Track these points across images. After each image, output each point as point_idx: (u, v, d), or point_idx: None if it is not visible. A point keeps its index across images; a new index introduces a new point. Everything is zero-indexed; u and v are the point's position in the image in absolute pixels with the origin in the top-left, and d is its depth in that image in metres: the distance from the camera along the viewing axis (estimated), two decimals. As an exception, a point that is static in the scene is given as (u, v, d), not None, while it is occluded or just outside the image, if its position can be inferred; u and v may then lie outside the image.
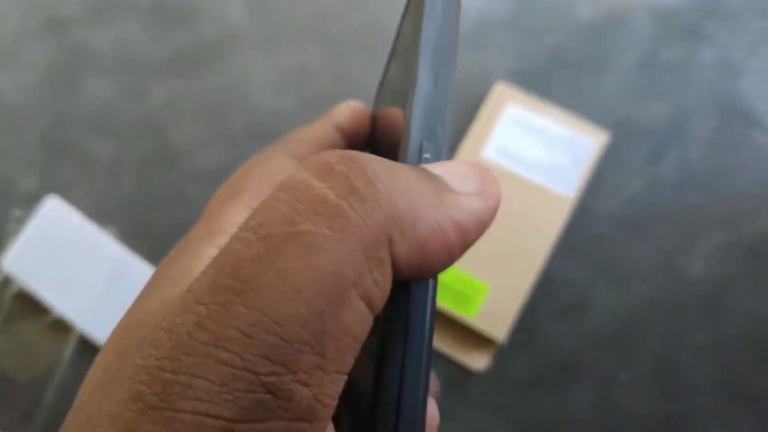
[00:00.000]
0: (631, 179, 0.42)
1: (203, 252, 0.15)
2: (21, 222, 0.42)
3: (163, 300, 0.13)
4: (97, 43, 0.47)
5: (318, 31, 0.47)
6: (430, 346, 0.12)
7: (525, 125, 0.41)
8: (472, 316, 0.37)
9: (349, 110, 0.20)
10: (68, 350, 0.42)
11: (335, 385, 0.10)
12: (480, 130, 0.41)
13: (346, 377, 0.11)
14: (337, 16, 0.47)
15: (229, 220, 0.16)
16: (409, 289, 0.12)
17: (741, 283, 0.40)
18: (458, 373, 0.39)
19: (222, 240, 0.15)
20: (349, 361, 0.10)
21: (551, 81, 0.44)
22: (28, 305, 0.42)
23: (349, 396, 0.14)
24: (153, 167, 0.44)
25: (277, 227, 0.10)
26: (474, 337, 0.38)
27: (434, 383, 0.17)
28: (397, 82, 0.16)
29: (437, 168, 0.12)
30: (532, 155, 0.40)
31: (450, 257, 0.11)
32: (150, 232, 0.42)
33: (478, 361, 0.38)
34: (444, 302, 0.38)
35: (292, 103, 0.45)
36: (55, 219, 0.41)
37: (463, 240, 0.11)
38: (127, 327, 0.12)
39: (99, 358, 0.12)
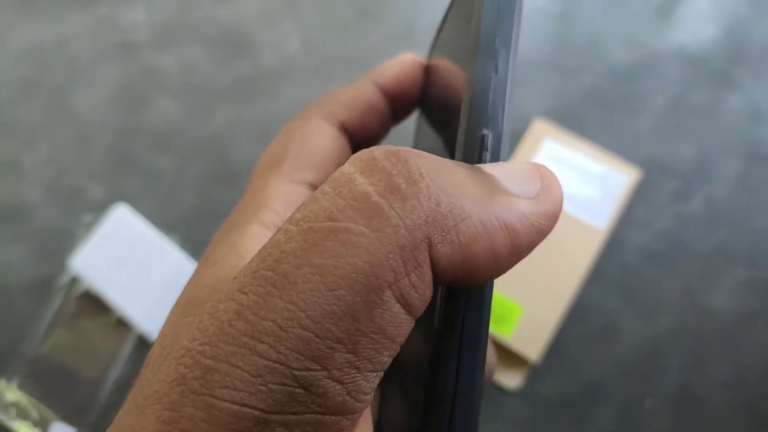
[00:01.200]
0: (660, 215, 0.45)
1: (249, 229, 0.15)
2: (90, 227, 0.46)
3: (216, 278, 0.13)
4: (165, 67, 0.51)
5: (365, 64, 0.50)
6: (484, 358, 0.12)
7: (561, 160, 0.44)
8: (508, 335, 0.40)
9: (396, 68, 0.18)
10: (127, 348, 0.45)
11: (369, 383, 0.10)
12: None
13: (381, 374, 0.10)
14: (383, 52, 0.50)
15: (272, 193, 0.16)
16: (464, 295, 0.12)
17: (761, 318, 0.42)
18: (492, 390, 0.41)
19: (266, 216, 0.15)
20: (384, 360, 0.10)
21: (586, 119, 0.47)
22: (93, 305, 0.46)
23: (397, 376, 0.14)
24: (213, 183, 0.47)
25: (317, 221, 0.10)
26: (508, 356, 0.41)
27: (492, 355, 0.17)
28: (457, 39, 0.15)
29: (494, 168, 0.12)
30: (568, 188, 0.43)
31: (497, 263, 0.11)
32: (208, 241, 0.46)
33: (512, 379, 0.41)
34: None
35: (343, 129, 0.48)
36: (122, 225, 0.45)
37: (512, 245, 0.11)
38: (186, 302, 0.13)
39: (162, 330, 0.13)
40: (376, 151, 0.11)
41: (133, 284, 0.45)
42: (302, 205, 0.11)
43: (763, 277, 0.43)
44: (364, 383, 0.10)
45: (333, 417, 0.10)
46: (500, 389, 0.41)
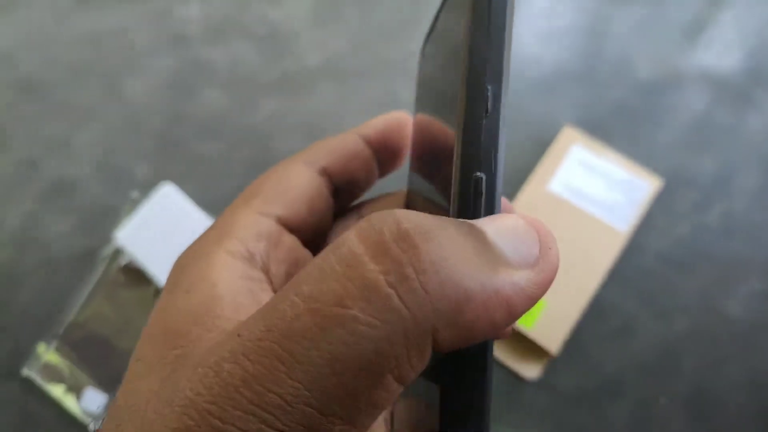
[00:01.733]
0: (680, 223, 0.47)
1: (216, 257, 0.15)
2: (136, 203, 0.49)
3: (192, 307, 0.14)
4: (215, 60, 0.54)
5: (405, 66, 0.53)
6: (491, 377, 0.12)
7: (588, 165, 0.46)
8: (530, 327, 0.42)
9: (381, 123, 0.19)
10: (164, 321, 0.47)
11: None
12: (548, 166, 0.46)
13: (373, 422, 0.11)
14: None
15: (239, 223, 0.16)
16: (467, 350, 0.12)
17: (775, 326, 0.44)
18: (511, 380, 0.43)
19: (232, 244, 0.15)
20: (373, 420, 0.11)
21: (613, 129, 0.49)
22: (133, 277, 0.48)
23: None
24: (255, 169, 0.50)
25: (326, 304, 0.10)
26: (529, 348, 0.42)
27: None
28: (444, 73, 0.14)
29: (491, 225, 0.12)
30: (593, 192, 0.45)
31: (493, 331, 0.11)
32: (246, 225, 0.48)
33: (532, 370, 0.42)
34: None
35: (381, 126, 0.51)
36: (168, 202, 0.47)
37: (509, 316, 0.11)
38: (166, 330, 0.14)
39: (138, 353, 0.14)
40: (385, 228, 0.11)
41: (174, 258, 0.47)
42: (307, 275, 0.11)
43: (778, 287, 0.45)
44: None
45: None
46: (520, 379, 0.43)
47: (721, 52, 0.52)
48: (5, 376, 0.47)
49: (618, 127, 0.49)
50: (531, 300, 0.11)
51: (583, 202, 0.45)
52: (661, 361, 0.44)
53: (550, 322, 0.42)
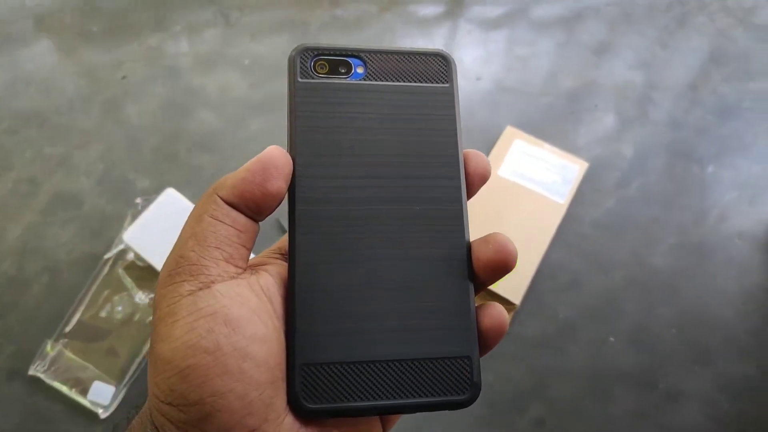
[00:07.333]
0: (606, 197, 0.57)
1: (171, 329, 0.15)
2: (141, 208, 0.54)
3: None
4: (206, 86, 0.61)
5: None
6: None
7: (528, 154, 0.56)
8: (495, 285, 0.49)
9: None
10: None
11: None
12: (496, 156, 0.56)
13: None
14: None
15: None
16: None
17: (689, 271, 0.53)
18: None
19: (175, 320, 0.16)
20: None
21: (545, 127, 0.60)
22: (138, 275, 0.52)
23: None
24: (247, 173, 0.57)
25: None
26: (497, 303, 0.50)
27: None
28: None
29: None
30: (534, 174, 0.55)
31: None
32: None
33: (500, 319, 0.50)
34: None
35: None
36: (171, 204, 0.53)
37: None
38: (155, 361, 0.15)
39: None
40: None
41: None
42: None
43: (690, 241, 0.55)
44: None
45: None
46: (492, 331, 0.50)
47: (623, 65, 0.64)
48: (12, 376, 0.49)
49: (549, 126, 0.60)
50: (252, 164, 0.17)
51: (528, 182, 0.54)
52: (606, 308, 0.52)
53: (511, 280, 0.50)
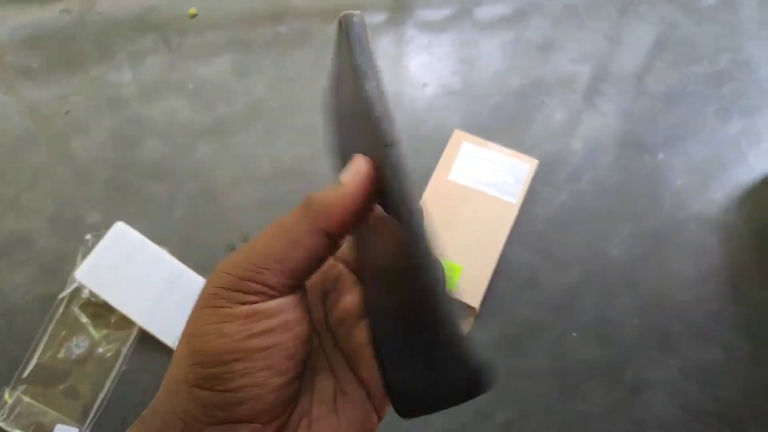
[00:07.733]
0: (559, 192, 0.57)
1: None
2: (90, 244, 0.53)
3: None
4: (152, 115, 0.61)
5: (318, 102, 0.62)
6: None
7: (477, 156, 0.56)
8: (453, 289, 0.49)
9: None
10: (127, 350, 0.51)
11: None
12: (446, 161, 0.56)
13: None
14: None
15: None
16: None
17: (646, 259, 0.54)
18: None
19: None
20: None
21: (494, 128, 0.60)
22: (94, 312, 0.52)
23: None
24: (199, 202, 0.56)
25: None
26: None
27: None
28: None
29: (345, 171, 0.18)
30: (485, 176, 0.55)
31: (354, 206, 0.17)
32: (197, 250, 0.54)
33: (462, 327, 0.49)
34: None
35: (306, 150, 0.59)
36: (122, 237, 0.52)
37: (352, 199, 0.17)
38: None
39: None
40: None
41: (134, 287, 0.51)
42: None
43: (644, 229, 0.55)
44: None
45: None
46: (453, 337, 0.49)
47: (568, 60, 0.65)
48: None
49: (498, 126, 0.60)
50: (357, 186, 0.17)
51: (479, 184, 0.55)
52: (566, 303, 0.52)
53: (469, 284, 0.50)
